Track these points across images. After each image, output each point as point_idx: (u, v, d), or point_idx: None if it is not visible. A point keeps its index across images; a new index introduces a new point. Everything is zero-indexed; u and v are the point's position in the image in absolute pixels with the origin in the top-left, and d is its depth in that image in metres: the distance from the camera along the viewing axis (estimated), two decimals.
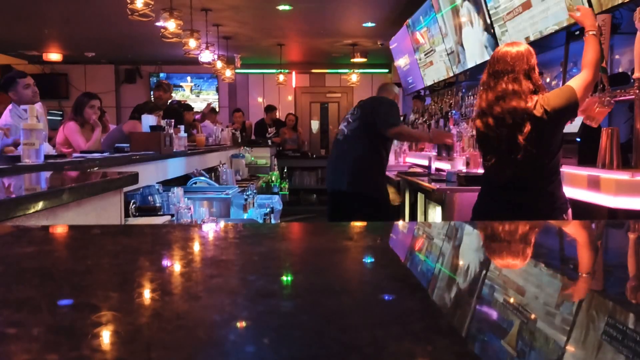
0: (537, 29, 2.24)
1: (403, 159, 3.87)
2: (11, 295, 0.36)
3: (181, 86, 7.01)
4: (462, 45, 3.21)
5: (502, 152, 1.40)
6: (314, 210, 5.26)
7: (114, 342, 0.28)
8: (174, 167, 2.35)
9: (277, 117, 6.35)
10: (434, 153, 3.25)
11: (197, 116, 4.79)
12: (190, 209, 1.81)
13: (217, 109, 6.32)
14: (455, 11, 3.18)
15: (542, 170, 1.37)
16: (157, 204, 1.86)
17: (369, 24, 4.84)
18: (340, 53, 6.16)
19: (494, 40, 2.70)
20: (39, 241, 0.57)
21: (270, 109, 6.03)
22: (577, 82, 1.39)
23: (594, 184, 1.41)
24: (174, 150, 2.35)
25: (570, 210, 1.39)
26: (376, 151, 2.24)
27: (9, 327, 0.29)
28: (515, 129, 1.35)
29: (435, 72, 3.97)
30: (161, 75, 6.89)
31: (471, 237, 0.65)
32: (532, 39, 2.29)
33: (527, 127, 1.33)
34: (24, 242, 0.56)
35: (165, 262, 0.47)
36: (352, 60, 6.13)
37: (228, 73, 5.27)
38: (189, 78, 7.00)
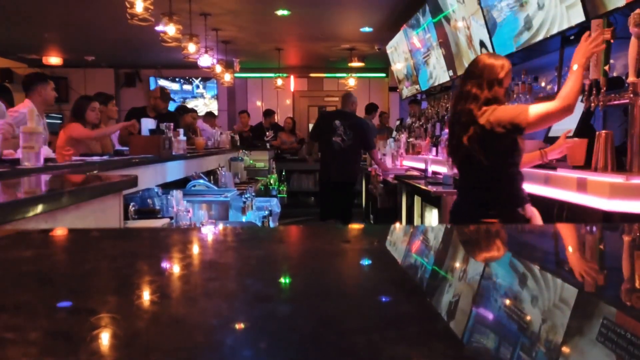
0: (531, 33, 2.26)
1: (400, 162, 3.88)
2: (9, 299, 0.36)
3: (181, 90, 7.02)
4: (457, 49, 3.23)
5: (452, 147, 1.52)
6: (312, 212, 5.25)
7: (112, 346, 0.28)
8: (173, 170, 2.35)
9: (276, 121, 6.37)
10: (431, 156, 3.27)
11: (198, 121, 4.80)
12: (189, 211, 1.81)
13: (216, 113, 6.33)
14: (452, 15, 3.21)
15: (494, 172, 1.45)
16: (157, 207, 1.86)
17: (367, 29, 4.86)
18: (338, 57, 6.18)
19: (491, 44, 2.72)
20: (38, 244, 0.57)
21: (268, 113, 6.04)
22: (538, 107, 1.40)
23: (589, 187, 1.42)
24: (173, 153, 2.35)
25: (528, 206, 1.44)
26: (361, 157, 3.79)
27: (7, 332, 0.29)
28: (463, 129, 1.45)
29: (432, 76, 3.99)
30: (161, 79, 6.89)
31: (467, 240, 0.65)
32: (526, 43, 2.31)
33: (471, 130, 1.42)
34: (23, 245, 0.56)
35: (164, 266, 0.47)
36: (349, 64, 6.15)
37: (227, 77, 5.28)
38: (188, 82, 7.01)
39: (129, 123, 2.64)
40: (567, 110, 1.37)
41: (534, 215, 1.45)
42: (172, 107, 4.06)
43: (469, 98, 1.44)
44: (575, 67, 1.39)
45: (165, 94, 3.61)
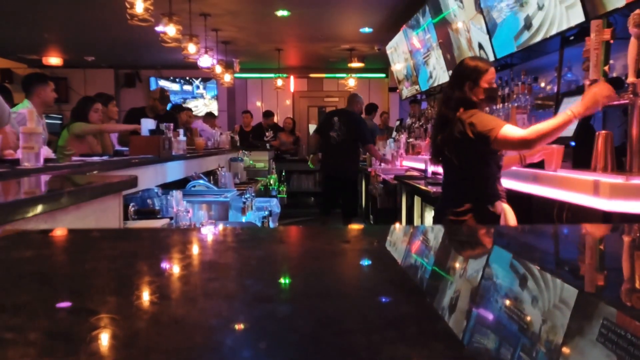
0: (531, 32, 2.26)
1: (400, 162, 3.88)
2: (9, 300, 0.36)
3: (181, 90, 7.02)
4: (458, 50, 3.23)
5: (431, 146, 1.61)
6: (312, 213, 5.26)
7: (112, 346, 0.28)
8: (173, 171, 2.35)
9: (275, 121, 6.38)
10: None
11: (198, 122, 4.82)
12: (189, 212, 1.81)
13: (216, 113, 6.33)
14: (451, 17, 3.21)
15: (464, 170, 1.49)
16: (156, 207, 1.86)
17: (366, 29, 4.87)
18: (338, 58, 6.18)
19: (491, 46, 2.72)
20: (37, 245, 0.57)
21: (268, 114, 6.07)
22: (509, 130, 1.37)
23: (589, 188, 1.42)
24: (173, 153, 2.35)
25: (499, 203, 1.47)
26: (358, 152, 3.96)
27: (7, 332, 0.29)
28: (440, 129, 1.53)
29: (431, 76, 3.99)
30: (161, 79, 6.89)
31: (467, 241, 0.65)
32: (526, 43, 2.31)
33: (447, 131, 1.48)
34: (23, 246, 0.56)
35: (163, 266, 0.47)
36: (349, 65, 6.15)
37: (227, 77, 5.27)
38: (188, 82, 7.01)
39: (140, 127, 2.63)
40: (526, 144, 1.33)
41: (505, 211, 1.47)
42: (167, 106, 4.06)
43: (445, 99, 1.53)
44: (569, 112, 1.29)
45: (164, 97, 3.61)
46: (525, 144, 1.35)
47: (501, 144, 1.40)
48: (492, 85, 1.50)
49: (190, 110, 4.68)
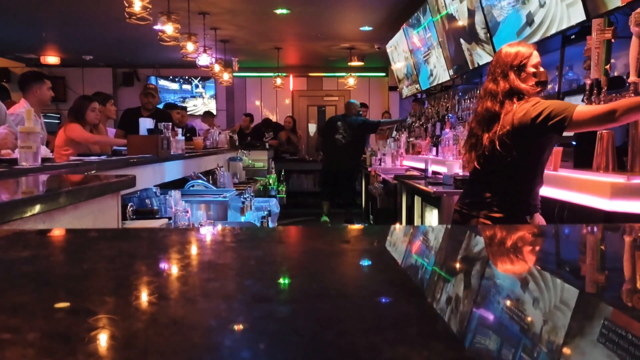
0: (532, 29, 2.26)
1: (400, 162, 3.88)
2: (6, 300, 0.36)
3: (180, 89, 7.01)
4: (457, 48, 3.23)
5: (471, 145, 1.42)
6: (311, 213, 5.26)
7: (110, 347, 0.28)
8: (172, 170, 2.35)
9: (275, 120, 6.38)
10: (431, 156, 3.27)
11: (196, 121, 4.81)
12: (187, 212, 1.81)
13: (215, 112, 6.32)
14: (452, 15, 3.21)
15: (508, 170, 1.35)
16: (155, 207, 1.86)
17: (366, 28, 4.86)
18: (338, 57, 6.18)
19: (490, 43, 2.72)
20: (35, 245, 0.57)
21: (267, 125, 6.09)
22: (588, 106, 1.30)
23: (590, 188, 1.42)
24: (172, 153, 2.35)
25: (537, 215, 1.38)
26: (362, 150, 4.76)
27: (4, 333, 0.29)
28: (484, 127, 1.37)
29: (432, 75, 3.99)
30: (160, 78, 6.88)
31: (467, 241, 0.65)
32: (528, 39, 2.31)
33: (495, 127, 1.33)
34: (21, 246, 0.56)
35: (162, 266, 0.47)
36: (349, 63, 6.14)
37: (226, 76, 5.27)
38: (187, 81, 7.00)
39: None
40: (611, 115, 1.21)
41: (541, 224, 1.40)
42: (160, 105, 4.02)
43: (486, 95, 1.38)
44: None
45: (147, 89, 3.53)
46: (610, 115, 1.22)
47: (579, 123, 1.25)
48: (539, 69, 1.36)
49: (184, 109, 4.66)
